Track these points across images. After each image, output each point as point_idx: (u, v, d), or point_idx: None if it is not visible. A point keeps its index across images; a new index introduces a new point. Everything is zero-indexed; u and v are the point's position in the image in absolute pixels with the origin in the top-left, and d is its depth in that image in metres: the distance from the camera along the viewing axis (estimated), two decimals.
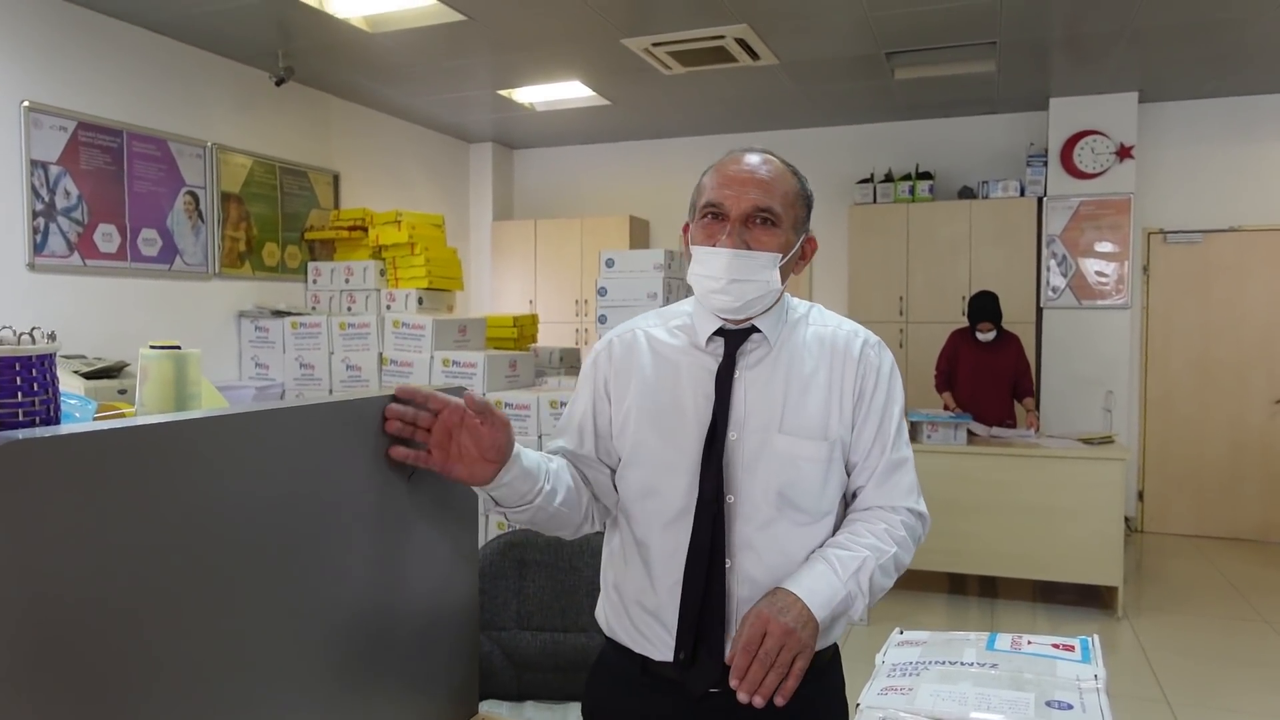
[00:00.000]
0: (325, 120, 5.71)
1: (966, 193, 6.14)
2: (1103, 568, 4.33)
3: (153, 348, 0.99)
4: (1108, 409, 5.79)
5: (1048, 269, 5.93)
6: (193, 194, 4.76)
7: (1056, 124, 5.85)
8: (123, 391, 3.98)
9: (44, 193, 4.02)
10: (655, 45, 4.71)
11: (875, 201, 6.27)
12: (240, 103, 5.03)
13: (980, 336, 5.07)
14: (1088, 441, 4.60)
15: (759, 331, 1.36)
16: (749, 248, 1.29)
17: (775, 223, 1.31)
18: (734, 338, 1.35)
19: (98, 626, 0.83)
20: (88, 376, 3.88)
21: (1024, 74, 5.33)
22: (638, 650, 1.35)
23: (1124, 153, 5.72)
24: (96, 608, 0.83)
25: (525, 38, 4.65)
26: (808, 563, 1.27)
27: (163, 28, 4.47)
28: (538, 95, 5.81)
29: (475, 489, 1.25)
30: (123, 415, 1.05)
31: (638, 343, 1.40)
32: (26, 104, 3.94)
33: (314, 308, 5.34)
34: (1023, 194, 5.96)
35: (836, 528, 1.36)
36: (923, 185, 6.18)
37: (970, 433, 4.72)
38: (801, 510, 1.32)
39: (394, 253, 5.21)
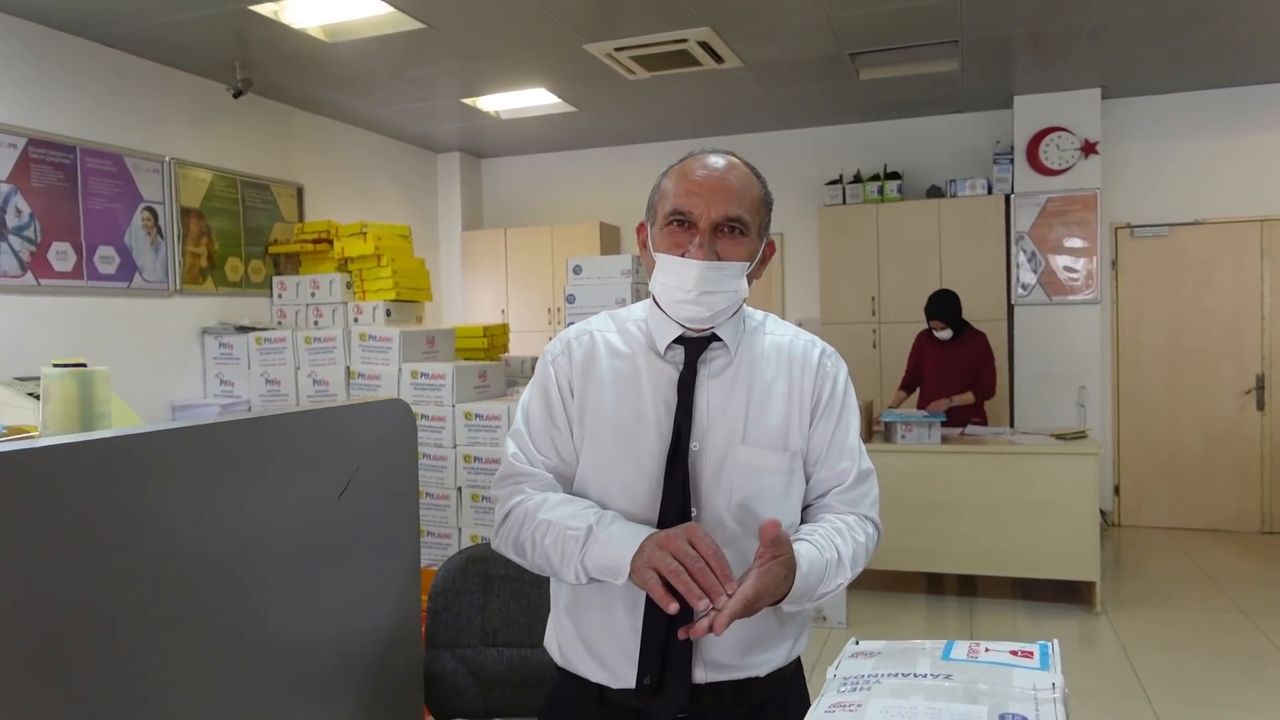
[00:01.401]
0: (287, 132, 5.63)
1: (935, 192, 6.15)
2: (1079, 563, 4.32)
3: (56, 365, 0.93)
4: (1081, 404, 5.81)
5: (1017, 266, 5.94)
6: (151, 210, 4.67)
7: (1021, 121, 5.87)
8: None
9: None
10: (618, 50, 4.68)
11: (844, 202, 6.27)
12: (198, 116, 4.95)
13: (938, 335, 5.09)
14: (1061, 437, 4.60)
15: (720, 340, 1.31)
16: (719, 258, 1.26)
17: (744, 231, 1.28)
18: (694, 346, 1.31)
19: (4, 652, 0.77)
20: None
21: (987, 72, 5.35)
22: (595, 680, 1.29)
23: (1089, 148, 5.74)
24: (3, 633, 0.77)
25: (487, 45, 4.61)
26: (796, 546, 1.21)
27: (115, 41, 4.38)
28: (503, 103, 5.76)
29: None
30: (28, 437, 0.99)
31: (596, 347, 1.34)
32: None
33: (280, 322, 5.25)
34: (990, 192, 5.98)
35: None
36: (891, 185, 6.19)
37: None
38: None
39: (360, 265, 5.14)
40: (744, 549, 1.25)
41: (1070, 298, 5.88)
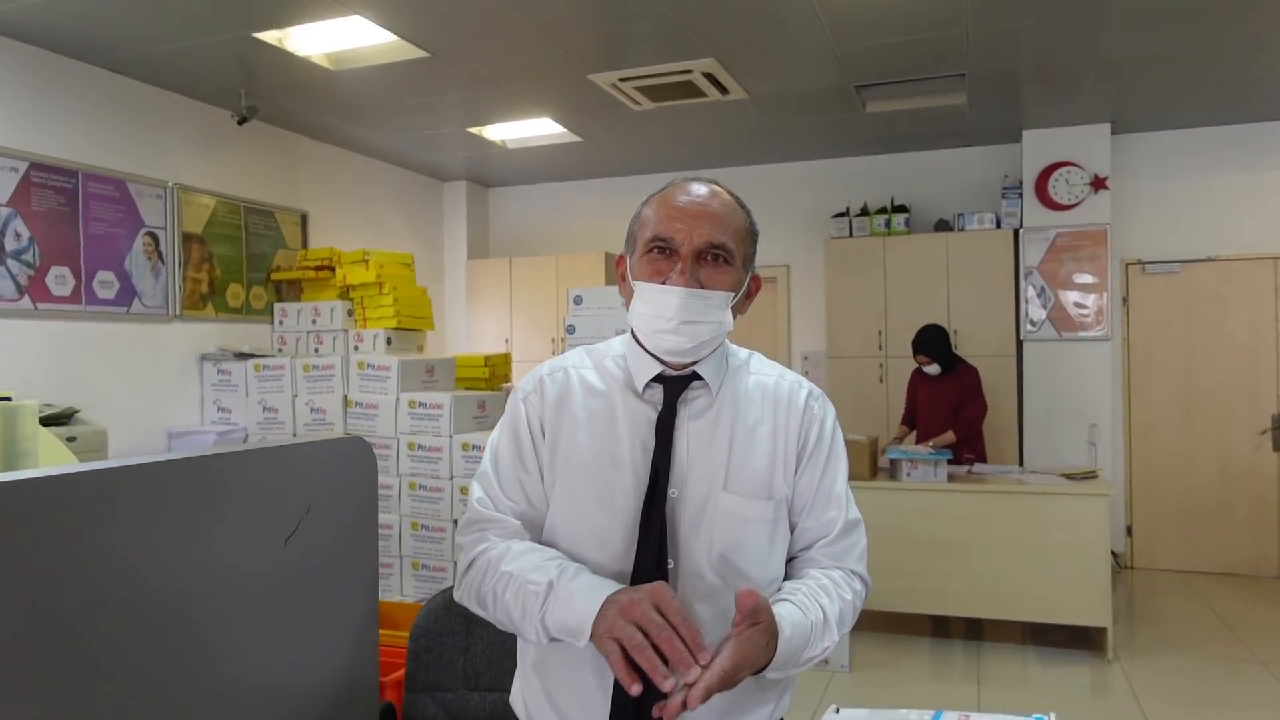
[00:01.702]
0: (292, 159, 5.63)
1: (943, 225, 6.09)
2: (1090, 608, 4.20)
3: None
4: (1092, 442, 5.70)
5: (1027, 301, 5.87)
6: (152, 235, 4.65)
7: (1030, 156, 5.82)
8: (72, 439, 3.84)
9: None
10: (623, 80, 4.66)
11: (851, 235, 6.22)
12: (202, 142, 4.95)
13: (925, 370, 5.10)
14: (1071, 477, 4.49)
15: (701, 379, 1.24)
16: (701, 286, 1.20)
17: (728, 260, 1.22)
18: (674, 385, 1.24)
19: None
20: None
21: (995, 106, 5.31)
22: None
23: (1098, 183, 5.68)
24: None
25: (491, 74, 4.60)
26: (777, 607, 1.13)
27: (120, 66, 4.39)
28: (509, 132, 5.76)
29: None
30: None
31: (570, 384, 1.27)
32: None
33: (280, 349, 5.22)
34: (999, 226, 5.92)
35: None
36: (899, 218, 6.13)
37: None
38: (746, 577, 1.20)
39: (362, 292, 5.10)
40: (724, 605, 1.17)
41: (1080, 334, 5.79)
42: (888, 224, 6.15)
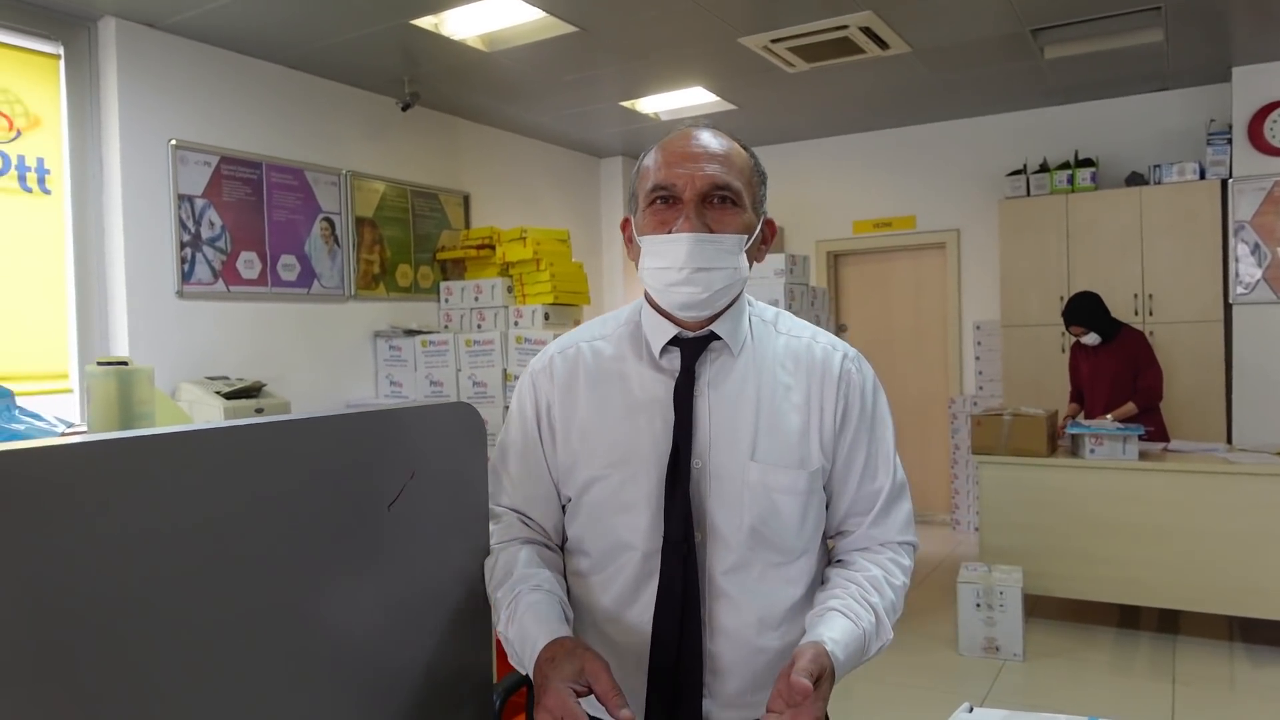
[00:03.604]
0: (454, 143, 5.83)
1: (1135, 179, 5.53)
2: None
3: (100, 364, 0.91)
4: None
5: (1237, 260, 5.23)
6: (329, 220, 4.95)
7: (1241, 96, 5.16)
8: (259, 410, 4.16)
9: (190, 224, 4.27)
10: (774, 42, 4.50)
11: (1029, 194, 5.76)
12: (371, 130, 5.20)
13: (1083, 341, 4.72)
14: None
15: (720, 338, 1.18)
16: (710, 231, 1.14)
17: (736, 201, 1.16)
18: (692, 347, 1.18)
19: (20, 666, 0.74)
20: (228, 396, 4.08)
21: (1198, 42, 4.73)
22: None
23: None
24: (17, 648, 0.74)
25: (640, 45, 4.56)
26: (828, 617, 1.09)
27: (296, 62, 4.68)
28: (662, 104, 5.71)
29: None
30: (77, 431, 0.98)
31: (582, 359, 1.25)
32: (174, 142, 4.20)
33: (446, 326, 5.44)
34: (1203, 177, 5.30)
35: (814, 567, 1.21)
36: (1083, 174, 5.62)
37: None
38: (776, 549, 1.16)
39: (520, 269, 5.23)
40: (754, 575, 1.15)
41: None
42: (1071, 180, 5.66)
